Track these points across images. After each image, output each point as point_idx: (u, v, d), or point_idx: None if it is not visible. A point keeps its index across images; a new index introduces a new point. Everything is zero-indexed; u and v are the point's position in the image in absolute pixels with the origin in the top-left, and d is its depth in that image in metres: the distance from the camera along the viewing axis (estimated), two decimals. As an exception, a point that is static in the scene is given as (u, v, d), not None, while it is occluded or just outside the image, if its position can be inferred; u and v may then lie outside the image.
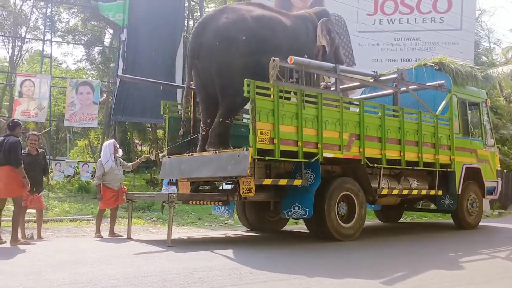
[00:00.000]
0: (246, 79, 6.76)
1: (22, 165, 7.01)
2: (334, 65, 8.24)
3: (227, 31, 7.56)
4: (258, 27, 7.70)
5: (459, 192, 9.66)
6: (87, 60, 27.03)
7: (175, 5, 18.23)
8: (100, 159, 8.42)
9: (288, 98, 7.28)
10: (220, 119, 7.62)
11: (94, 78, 24.77)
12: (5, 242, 7.02)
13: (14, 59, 25.89)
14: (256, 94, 6.77)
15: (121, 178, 8.45)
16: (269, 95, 6.98)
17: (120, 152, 8.70)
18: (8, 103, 24.05)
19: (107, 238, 8.01)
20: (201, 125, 8.04)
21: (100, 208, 8.40)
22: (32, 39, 25.80)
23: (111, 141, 8.73)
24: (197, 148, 8.03)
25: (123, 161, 8.80)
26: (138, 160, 9.28)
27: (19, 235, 7.29)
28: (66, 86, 17.68)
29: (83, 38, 25.17)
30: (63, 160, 17.84)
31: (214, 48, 7.53)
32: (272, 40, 7.75)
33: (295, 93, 7.36)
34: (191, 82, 8.23)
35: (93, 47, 25.71)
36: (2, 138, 7.20)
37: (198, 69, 7.88)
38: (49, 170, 15.74)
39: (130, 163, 9.10)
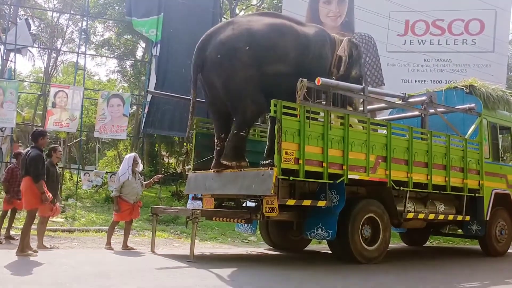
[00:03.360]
0: (273, 99, 6.80)
1: (42, 181, 6.88)
2: (362, 86, 8.22)
3: (230, 43, 7.35)
4: (264, 36, 7.44)
5: (488, 218, 9.42)
6: (119, 72, 27.68)
7: (208, 22, 18.49)
8: (118, 171, 8.53)
9: (316, 119, 7.28)
10: (234, 131, 7.45)
11: (125, 91, 25.28)
12: (37, 251, 7.15)
13: (49, 70, 26.67)
14: (283, 114, 6.80)
15: (138, 192, 8.40)
16: (295, 115, 7.00)
17: (140, 167, 8.69)
18: (41, 113, 24.71)
19: (126, 251, 8.02)
20: (215, 141, 7.87)
21: (114, 220, 8.49)
22: (67, 51, 26.58)
23: (132, 154, 8.78)
24: (212, 164, 7.87)
25: (141, 177, 8.81)
26: (151, 180, 9.26)
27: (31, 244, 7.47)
28: (97, 97, 18.09)
29: (116, 51, 25.78)
30: (92, 171, 18.19)
31: (217, 62, 7.36)
32: (279, 48, 7.50)
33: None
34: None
35: (125, 59, 26.34)
36: (28, 149, 7.33)
37: (204, 84, 7.76)
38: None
39: (144, 182, 8.96)
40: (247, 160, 7.56)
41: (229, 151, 7.47)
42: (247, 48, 7.27)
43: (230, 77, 7.30)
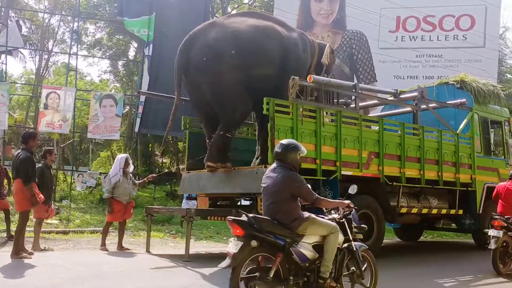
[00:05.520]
0: (265, 97, 6.83)
1: (32, 183, 6.80)
2: (354, 83, 8.26)
3: (215, 46, 7.34)
4: (249, 39, 7.44)
5: (480, 212, 9.51)
6: (111, 72, 27.59)
7: (200, 21, 18.33)
8: (110, 172, 8.52)
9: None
10: (220, 132, 7.45)
11: (118, 91, 25.22)
12: (32, 253, 7.12)
13: (41, 71, 26.54)
14: (275, 112, 6.82)
15: (130, 192, 8.41)
16: (288, 113, 7.03)
17: (131, 167, 8.70)
18: (34, 114, 24.60)
19: (121, 252, 8.00)
20: (207, 141, 7.88)
21: (108, 221, 8.48)
22: (58, 52, 26.47)
23: (124, 155, 8.80)
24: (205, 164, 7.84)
25: (132, 177, 8.81)
26: (145, 179, 9.25)
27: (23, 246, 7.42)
28: (90, 98, 18.02)
29: (108, 52, 25.69)
30: (85, 172, 18.13)
31: (202, 65, 7.33)
32: (264, 50, 7.51)
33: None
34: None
35: (117, 59, 26.25)
36: (18, 151, 7.30)
37: (188, 86, 7.74)
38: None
39: (138, 181, 8.95)
40: (231, 161, 7.52)
41: (214, 152, 7.45)
42: (233, 51, 7.26)
43: (217, 80, 7.30)
